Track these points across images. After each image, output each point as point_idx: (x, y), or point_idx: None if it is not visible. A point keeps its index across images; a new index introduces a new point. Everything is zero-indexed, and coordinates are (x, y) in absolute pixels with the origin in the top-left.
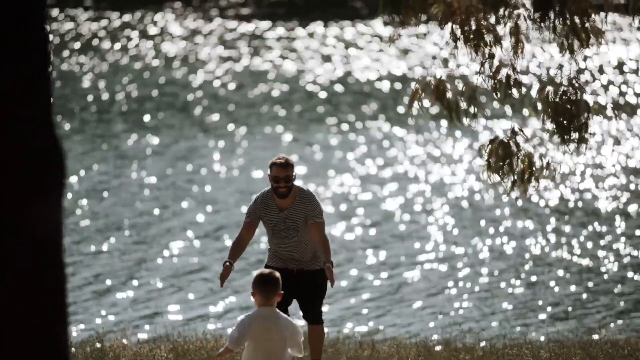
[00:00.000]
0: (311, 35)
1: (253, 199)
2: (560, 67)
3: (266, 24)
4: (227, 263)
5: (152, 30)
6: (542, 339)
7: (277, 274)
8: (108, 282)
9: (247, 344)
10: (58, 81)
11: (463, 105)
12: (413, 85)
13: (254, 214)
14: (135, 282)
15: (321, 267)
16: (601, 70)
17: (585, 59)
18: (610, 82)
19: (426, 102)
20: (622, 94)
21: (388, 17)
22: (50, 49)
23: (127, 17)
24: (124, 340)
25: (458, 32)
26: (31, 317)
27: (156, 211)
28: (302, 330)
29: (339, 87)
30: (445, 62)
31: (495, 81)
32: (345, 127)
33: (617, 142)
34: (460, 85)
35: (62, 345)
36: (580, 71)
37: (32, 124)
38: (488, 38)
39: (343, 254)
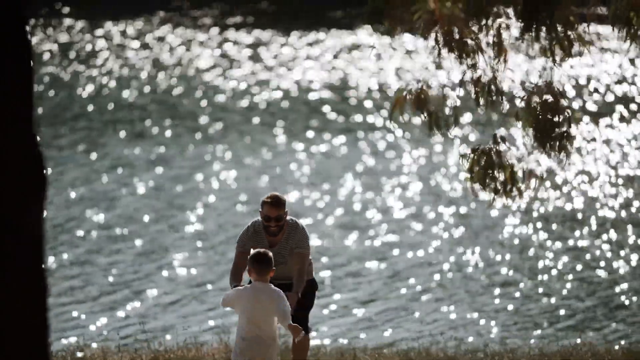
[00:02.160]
0: (297, 44)
1: (244, 227)
2: (543, 76)
3: (252, 32)
4: (238, 285)
5: (145, 38)
6: (524, 347)
7: (270, 254)
8: (89, 290)
9: (239, 312)
10: (52, 89)
11: (443, 114)
12: (395, 94)
13: (246, 244)
14: (116, 291)
15: (309, 278)
16: (583, 79)
17: (567, 66)
18: (592, 91)
19: (408, 112)
20: (604, 102)
21: (372, 27)
22: (33, 56)
23: (121, 26)
24: (105, 350)
25: (441, 41)
26: (14, 321)
27: (143, 220)
28: (287, 303)
29: (325, 96)
30: (427, 71)
31: (477, 90)
32: (333, 135)
33: (600, 149)
34: (441, 95)
35: (43, 354)
36: (562, 80)
37: (23, 127)
38: (471, 47)
39: (325, 262)
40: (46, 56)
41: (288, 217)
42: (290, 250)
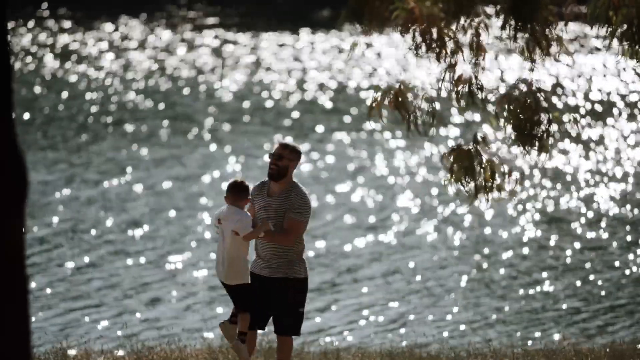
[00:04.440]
0: (279, 44)
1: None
2: (522, 75)
3: (234, 33)
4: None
5: (128, 40)
6: (507, 347)
7: (247, 184)
8: (71, 292)
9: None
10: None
11: (421, 113)
12: (373, 94)
13: (253, 195)
14: (98, 293)
15: (295, 277)
16: (563, 78)
17: (546, 65)
18: (571, 90)
19: (386, 111)
20: (584, 101)
21: (351, 26)
22: (11, 58)
23: (114, 27)
24: (88, 351)
25: (419, 40)
26: (5, 320)
27: (128, 221)
28: (249, 220)
29: (307, 97)
30: (406, 70)
31: (456, 89)
32: (317, 136)
33: (581, 148)
34: (419, 94)
35: (28, 353)
36: (541, 79)
37: (2, 133)
38: (449, 46)
39: (312, 262)
40: (38, 57)
41: (295, 179)
42: (284, 211)
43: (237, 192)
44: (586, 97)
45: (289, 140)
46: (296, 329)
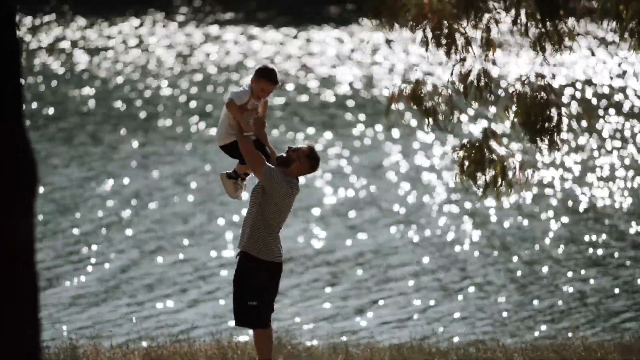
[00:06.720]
0: (290, 39)
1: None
2: (533, 70)
3: (250, 29)
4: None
5: (135, 37)
6: (516, 343)
7: (269, 68)
8: (82, 287)
9: None
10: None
11: (439, 108)
12: (390, 90)
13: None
14: (109, 288)
15: (247, 251)
16: (573, 74)
17: (557, 60)
18: (582, 85)
19: (403, 106)
20: (594, 96)
21: (370, 21)
22: (22, 55)
23: (120, 24)
24: (97, 346)
25: (430, 36)
26: (5, 320)
27: (131, 217)
28: (243, 96)
29: (318, 92)
30: (420, 65)
31: (466, 84)
32: (330, 132)
33: (591, 143)
34: (435, 89)
35: (35, 351)
36: (552, 74)
37: (13, 129)
38: (459, 41)
39: (318, 258)
40: (43, 52)
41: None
42: (257, 189)
43: (256, 72)
44: (595, 92)
45: (317, 149)
46: (236, 315)
